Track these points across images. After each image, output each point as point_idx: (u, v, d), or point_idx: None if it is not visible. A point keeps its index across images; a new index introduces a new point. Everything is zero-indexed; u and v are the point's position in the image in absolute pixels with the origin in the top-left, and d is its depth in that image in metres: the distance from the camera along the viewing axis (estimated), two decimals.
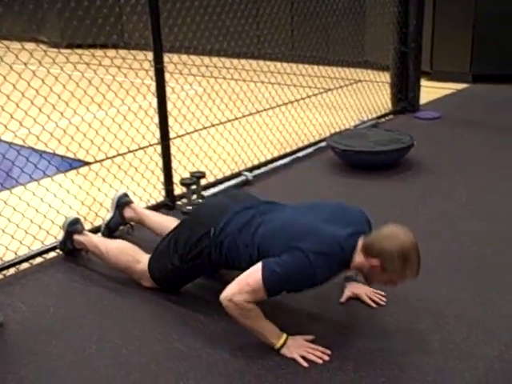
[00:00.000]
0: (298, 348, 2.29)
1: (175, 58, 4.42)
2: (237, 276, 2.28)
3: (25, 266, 3.04)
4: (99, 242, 2.95)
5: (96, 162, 3.83)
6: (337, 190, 3.91)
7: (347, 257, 2.26)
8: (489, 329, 2.40)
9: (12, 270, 2.99)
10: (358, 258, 2.25)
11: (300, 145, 4.78)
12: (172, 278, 2.66)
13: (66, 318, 2.57)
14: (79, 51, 3.58)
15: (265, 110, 5.36)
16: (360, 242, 2.27)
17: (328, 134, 4.80)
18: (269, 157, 4.49)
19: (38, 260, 3.09)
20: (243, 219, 2.47)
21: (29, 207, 3.27)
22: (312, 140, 4.89)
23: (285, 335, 2.30)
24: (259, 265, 2.23)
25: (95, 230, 3.27)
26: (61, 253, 3.12)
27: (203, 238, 2.50)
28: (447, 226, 3.34)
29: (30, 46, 3.40)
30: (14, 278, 2.93)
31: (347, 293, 2.64)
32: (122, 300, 2.70)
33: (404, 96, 5.81)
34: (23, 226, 3.19)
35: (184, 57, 4.35)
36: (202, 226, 2.54)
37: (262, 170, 4.29)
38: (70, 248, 3.07)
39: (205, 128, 4.65)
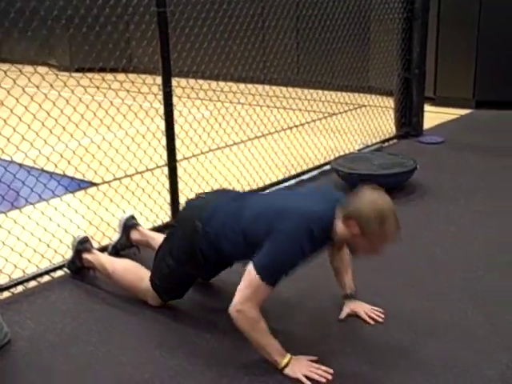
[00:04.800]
0: (302, 368, 2.31)
1: (183, 82, 4.51)
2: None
3: (33, 284, 3.09)
4: (107, 260, 3.00)
5: (104, 182, 3.89)
6: None
7: (328, 227, 2.32)
8: (492, 350, 2.42)
9: (20, 288, 3.04)
10: (338, 227, 2.32)
11: (304, 168, 4.84)
12: (172, 282, 2.70)
13: (72, 335, 2.61)
14: (90, 75, 3.66)
15: (270, 133, 5.43)
16: (338, 212, 2.33)
17: (332, 158, 4.86)
18: (274, 179, 4.55)
19: (46, 278, 3.14)
20: (228, 208, 2.54)
21: (38, 226, 3.33)
22: (317, 163, 4.95)
23: (289, 355, 2.32)
24: (249, 266, 2.29)
25: (102, 250, 3.32)
26: (68, 272, 3.17)
27: (193, 236, 2.54)
28: (451, 248, 3.37)
29: (41, 69, 3.48)
30: (22, 296, 2.98)
31: (346, 310, 2.68)
32: (127, 318, 2.73)
33: (408, 121, 5.88)
34: (32, 245, 3.25)
35: (192, 81, 4.44)
36: (188, 223, 2.58)
37: (267, 192, 4.34)
38: (78, 266, 3.11)
39: (211, 150, 4.72)
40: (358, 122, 5.68)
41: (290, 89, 5.49)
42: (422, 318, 2.67)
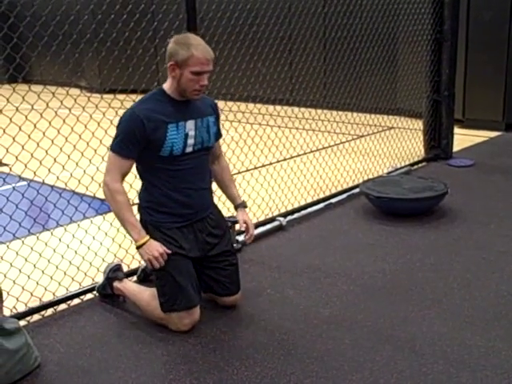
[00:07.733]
0: (151, 252, 2.63)
1: None
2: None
3: (62, 306, 3.09)
4: (137, 290, 3.00)
5: (134, 204, 3.89)
6: (370, 237, 3.91)
7: (162, 92, 2.72)
8: None
9: (50, 311, 3.05)
10: (167, 83, 2.72)
11: (333, 191, 4.81)
12: (166, 277, 2.73)
13: (102, 360, 2.60)
14: (121, 97, 3.68)
15: (299, 155, 5.42)
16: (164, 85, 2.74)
17: (361, 181, 4.82)
18: (302, 202, 4.52)
19: (76, 301, 3.15)
20: None
21: (68, 249, 3.34)
22: (345, 186, 4.92)
23: (147, 237, 2.66)
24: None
25: (132, 273, 3.32)
26: (97, 295, 3.17)
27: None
28: (483, 274, 3.30)
29: (73, 91, 3.52)
30: (51, 319, 2.99)
31: (240, 220, 3.02)
32: (156, 343, 2.72)
33: (437, 143, 5.83)
34: (62, 268, 3.26)
35: (221, 103, 4.44)
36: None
37: (296, 215, 4.32)
38: (109, 293, 3.11)
39: (240, 173, 4.71)
40: (387, 145, 5.64)
41: (319, 111, 5.47)
42: (456, 346, 2.61)
